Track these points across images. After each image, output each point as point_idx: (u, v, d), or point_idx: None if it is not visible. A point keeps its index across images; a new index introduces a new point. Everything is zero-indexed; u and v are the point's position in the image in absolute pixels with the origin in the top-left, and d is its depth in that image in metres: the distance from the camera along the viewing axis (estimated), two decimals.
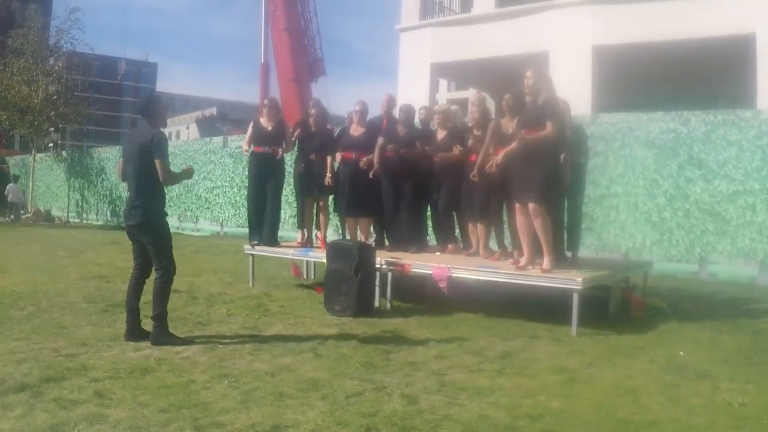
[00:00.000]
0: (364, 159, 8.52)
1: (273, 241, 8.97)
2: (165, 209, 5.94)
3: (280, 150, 8.81)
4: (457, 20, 17.82)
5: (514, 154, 6.85)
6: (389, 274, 7.52)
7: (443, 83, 21.64)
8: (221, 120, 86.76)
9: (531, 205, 6.65)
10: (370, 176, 8.48)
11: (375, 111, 9.24)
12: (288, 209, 13.59)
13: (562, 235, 7.58)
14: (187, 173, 6.04)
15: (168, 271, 5.79)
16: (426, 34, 17.52)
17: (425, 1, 18.17)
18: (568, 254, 7.73)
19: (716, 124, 10.39)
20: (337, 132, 9.40)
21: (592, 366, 5.32)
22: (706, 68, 14.80)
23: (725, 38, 12.77)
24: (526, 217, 6.80)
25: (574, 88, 11.57)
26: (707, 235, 10.41)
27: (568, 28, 14.62)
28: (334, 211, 9.34)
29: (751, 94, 12.81)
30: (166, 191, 5.99)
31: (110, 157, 22.96)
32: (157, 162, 5.65)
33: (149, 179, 5.71)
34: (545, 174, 6.65)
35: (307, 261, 9.44)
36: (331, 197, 9.34)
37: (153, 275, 5.91)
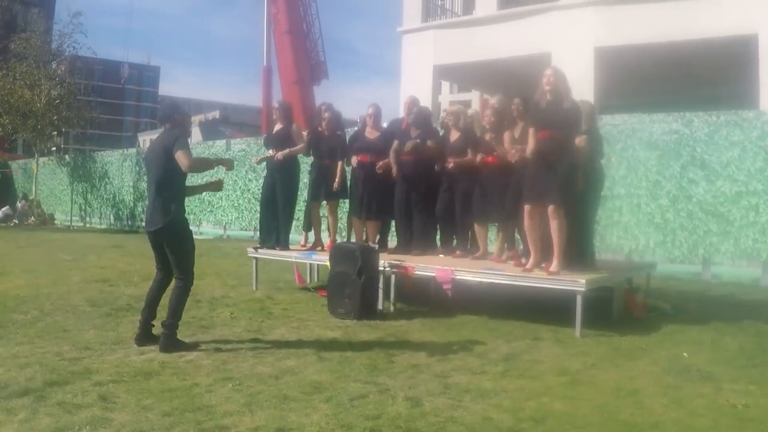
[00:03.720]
0: (380, 164, 8.54)
1: (285, 244, 8.96)
2: (186, 216, 5.85)
3: (278, 154, 8.76)
4: (459, 22, 17.82)
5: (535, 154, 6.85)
6: (392, 276, 7.52)
7: (446, 85, 21.62)
8: (224, 123, 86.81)
9: (551, 207, 6.63)
10: (394, 176, 8.47)
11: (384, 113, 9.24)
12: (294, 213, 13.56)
13: (579, 239, 7.55)
14: (216, 185, 6.11)
15: (187, 282, 5.74)
16: (428, 37, 17.53)
17: (427, 3, 18.17)
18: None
19: (719, 125, 10.39)
20: (350, 135, 9.40)
21: (595, 368, 5.32)
22: (709, 69, 14.80)
23: (727, 39, 12.76)
24: (535, 220, 6.80)
25: (576, 89, 11.54)
26: (710, 236, 10.40)
27: (571, 29, 14.62)
28: (350, 215, 9.30)
29: (754, 95, 12.80)
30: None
31: (113, 161, 23.01)
32: (179, 154, 5.48)
33: (170, 183, 5.63)
34: (565, 176, 6.65)
35: (310, 264, 9.44)
36: (342, 201, 9.36)
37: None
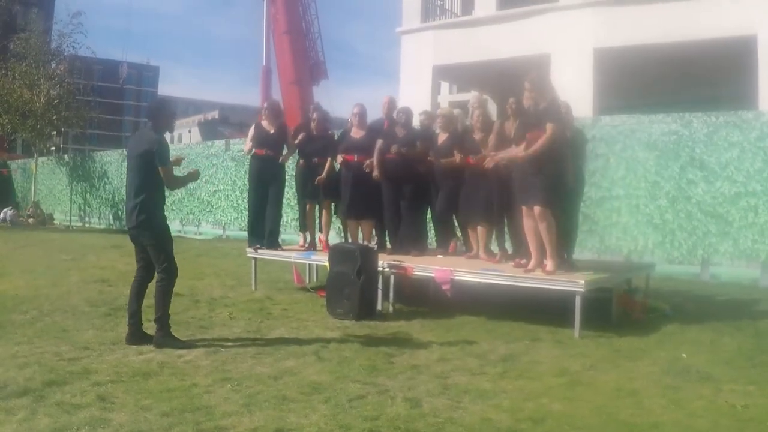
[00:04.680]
0: (368, 162, 8.55)
1: (274, 243, 8.99)
2: (164, 211, 5.95)
3: (283, 156, 8.94)
4: (458, 23, 17.80)
5: (518, 161, 6.87)
6: (391, 277, 7.52)
7: (445, 85, 21.58)
8: (223, 123, 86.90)
9: (537, 208, 6.65)
10: (374, 177, 8.51)
11: (375, 113, 9.28)
12: (290, 212, 13.60)
13: (562, 239, 7.57)
14: (193, 176, 6.07)
15: (169, 274, 5.82)
16: (427, 37, 17.51)
17: (426, 3, 18.16)
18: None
19: (718, 125, 10.38)
20: (338, 135, 9.43)
21: (594, 368, 5.33)
22: (708, 70, 14.78)
23: (726, 40, 12.75)
24: (533, 221, 6.80)
25: (575, 90, 11.53)
26: (709, 236, 10.40)
27: (570, 30, 14.60)
28: (335, 214, 9.32)
29: (753, 96, 12.79)
30: (166, 194, 6.04)
31: (112, 161, 22.97)
32: (160, 169, 5.70)
33: (147, 182, 5.74)
34: (550, 177, 6.66)
35: (309, 264, 9.44)
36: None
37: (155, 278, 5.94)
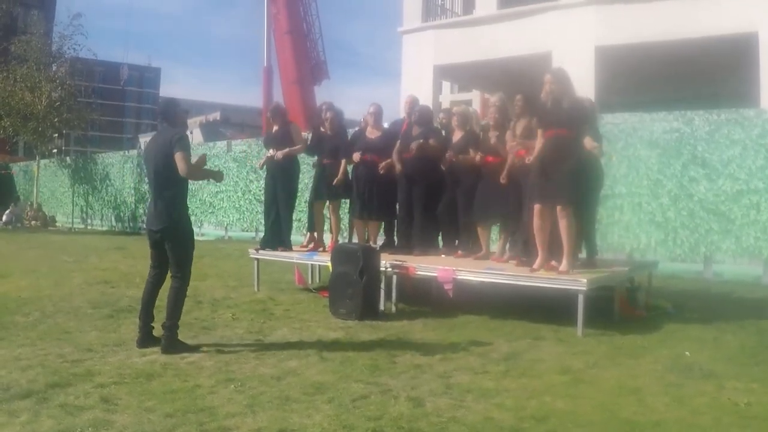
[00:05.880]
0: (383, 164, 8.53)
1: (286, 244, 8.98)
2: (188, 213, 5.85)
3: (277, 153, 8.78)
4: (459, 22, 17.81)
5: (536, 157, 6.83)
6: (394, 276, 7.52)
7: (446, 85, 21.59)
8: (225, 124, 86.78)
9: (559, 207, 6.62)
10: (396, 172, 8.45)
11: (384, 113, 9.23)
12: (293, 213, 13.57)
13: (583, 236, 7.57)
14: (215, 174, 6.03)
15: (185, 279, 5.75)
16: (428, 36, 17.52)
17: (427, 3, 18.16)
18: (582, 256, 7.66)
19: (720, 123, 10.38)
20: (351, 134, 9.39)
21: (596, 366, 5.32)
22: (709, 67, 14.79)
23: (728, 37, 12.75)
24: (542, 220, 6.77)
25: (577, 88, 11.54)
26: (711, 234, 10.39)
27: (571, 28, 14.61)
28: (350, 214, 9.28)
29: (755, 93, 12.78)
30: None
31: (114, 163, 23.02)
32: (176, 155, 5.46)
33: (172, 182, 5.61)
34: (573, 174, 6.64)
35: (312, 265, 9.44)
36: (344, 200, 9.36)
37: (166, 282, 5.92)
